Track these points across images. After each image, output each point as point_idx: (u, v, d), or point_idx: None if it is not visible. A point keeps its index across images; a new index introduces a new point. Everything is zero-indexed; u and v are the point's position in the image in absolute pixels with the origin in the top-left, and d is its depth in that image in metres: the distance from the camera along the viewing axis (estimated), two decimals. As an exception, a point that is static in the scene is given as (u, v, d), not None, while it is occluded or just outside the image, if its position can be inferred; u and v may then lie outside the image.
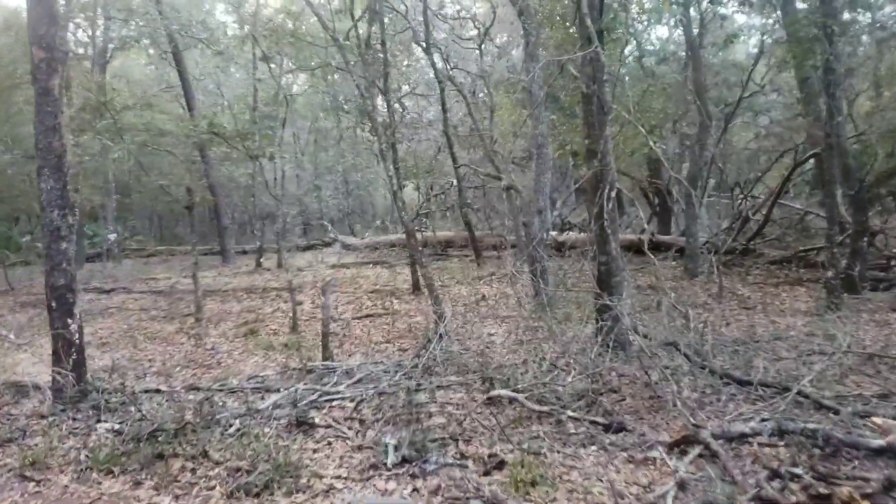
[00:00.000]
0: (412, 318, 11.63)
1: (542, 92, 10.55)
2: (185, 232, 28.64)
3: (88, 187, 17.49)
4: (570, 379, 6.28)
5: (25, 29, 7.48)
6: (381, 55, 11.95)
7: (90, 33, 22.51)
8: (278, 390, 7.33)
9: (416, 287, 14.36)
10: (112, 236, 23.18)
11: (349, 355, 9.32)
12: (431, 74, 21.11)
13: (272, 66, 20.08)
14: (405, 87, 23.38)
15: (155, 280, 18.50)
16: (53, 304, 7.21)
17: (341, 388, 7.25)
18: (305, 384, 7.39)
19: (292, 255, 21.44)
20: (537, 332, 8.93)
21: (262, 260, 21.05)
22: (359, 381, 7.56)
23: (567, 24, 11.71)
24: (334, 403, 6.81)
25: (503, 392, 6.19)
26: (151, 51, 26.22)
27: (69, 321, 7.22)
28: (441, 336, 8.67)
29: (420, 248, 11.47)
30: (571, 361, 7.12)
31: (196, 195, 12.48)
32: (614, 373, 6.96)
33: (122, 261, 22.70)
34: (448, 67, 18.74)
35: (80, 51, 22.19)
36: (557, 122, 15.44)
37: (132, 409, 6.78)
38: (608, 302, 6.80)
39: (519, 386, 6.28)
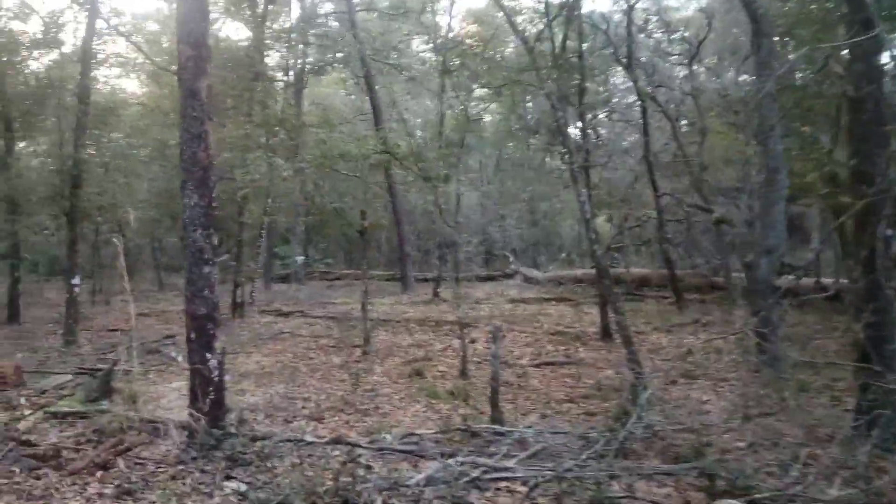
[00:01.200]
0: (601, 372, 10.01)
1: (776, 107, 8.66)
2: (372, 256, 28.77)
3: (275, 208, 17.47)
4: (834, 490, 4.41)
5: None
6: (577, 60, 10.55)
7: (288, 59, 22.98)
8: (435, 458, 6.05)
9: (605, 332, 12.66)
10: (300, 258, 23.39)
11: (523, 414, 7.90)
12: (631, 98, 19.48)
13: (460, 93, 19.34)
14: (600, 114, 21.89)
15: (333, 304, 18.14)
16: (193, 336, 6.41)
17: (511, 463, 5.82)
18: (467, 454, 6.06)
19: (471, 285, 20.42)
20: (765, 403, 7.02)
21: (439, 290, 20.17)
22: (534, 455, 6.10)
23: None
24: (501, 485, 5.39)
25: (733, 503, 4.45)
26: (344, 76, 26.62)
27: (208, 356, 6.39)
28: (640, 404, 7.04)
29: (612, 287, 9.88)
30: (822, 454, 5.24)
31: (369, 219, 11.69)
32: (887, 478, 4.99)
33: (307, 283, 22.79)
34: (651, 87, 17.00)
35: (279, 75, 22.67)
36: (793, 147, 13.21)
37: (267, 463, 5.81)
38: (881, 381, 4.88)
39: (756, 494, 4.51)
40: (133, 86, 23.25)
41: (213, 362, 6.41)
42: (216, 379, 6.44)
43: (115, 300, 20.29)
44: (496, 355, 7.34)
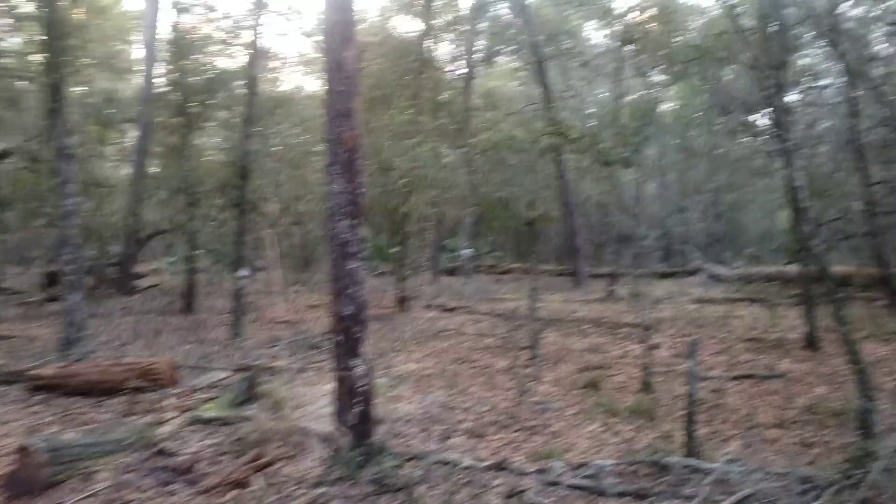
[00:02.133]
0: (812, 389, 8.37)
1: None
2: (542, 250, 27.66)
3: (441, 199, 16.82)
4: None
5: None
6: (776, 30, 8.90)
7: (458, 49, 22.35)
8: (618, 498, 4.92)
9: (811, 340, 10.82)
10: (467, 251, 22.72)
11: (722, 440, 6.55)
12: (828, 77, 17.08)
13: (640, 74, 17.78)
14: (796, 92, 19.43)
15: (500, 301, 17.25)
16: (338, 338, 5.67)
17: (713, 513, 4.59)
18: (658, 496, 4.87)
19: (650, 282, 18.79)
20: None
21: (614, 287, 18.70)
22: (741, 502, 4.82)
23: None
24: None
25: None
26: (515, 65, 25.67)
27: (354, 362, 5.62)
28: (878, 437, 5.53)
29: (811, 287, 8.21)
30: None
31: (538, 210, 10.63)
32: None
33: (474, 277, 22.07)
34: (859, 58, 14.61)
35: (448, 66, 22.10)
36: None
37: (416, 491, 4.96)
38: None
39: None
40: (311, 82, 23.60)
41: (359, 369, 5.65)
42: (363, 388, 5.67)
43: (290, 291, 20.60)
44: (694, 373, 6.05)
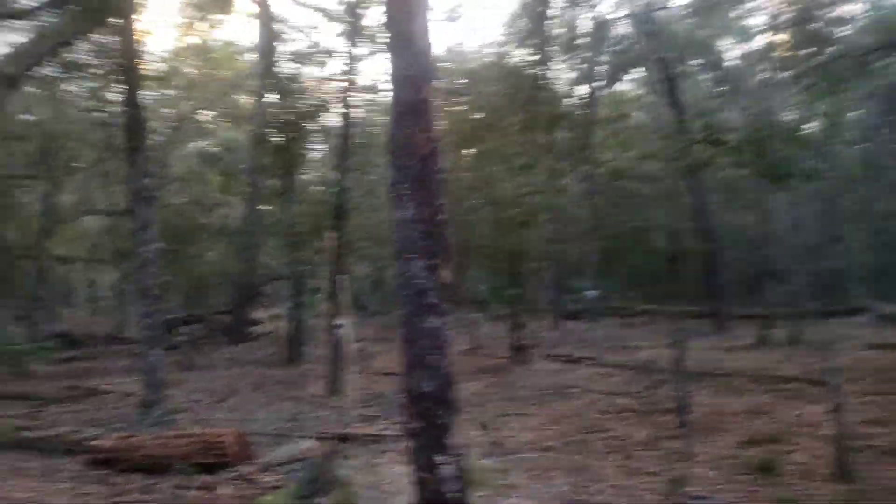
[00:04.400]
0: None
1: None
2: (676, 289, 25.14)
3: (562, 233, 15.06)
4: None
5: None
6: None
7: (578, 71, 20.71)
8: None
9: None
10: (592, 293, 20.74)
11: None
12: None
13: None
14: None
15: (633, 350, 15.20)
16: (414, 425, 4.12)
17: None
18: None
19: (807, 325, 16.18)
20: None
21: (767, 331, 16.18)
22: None
23: None
24: None
25: None
26: (640, 89, 23.75)
27: (439, 459, 4.03)
28: None
29: None
30: None
31: (675, 243, 8.75)
32: None
33: (601, 321, 20.03)
34: None
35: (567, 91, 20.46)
36: None
37: None
38: None
39: None
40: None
41: (447, 470, 4.04)
42: (454, 496, 4.06)
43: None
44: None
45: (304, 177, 17.56)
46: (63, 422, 9.83)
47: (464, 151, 12.92)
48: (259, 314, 25.13)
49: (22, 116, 21.94)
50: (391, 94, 4.07)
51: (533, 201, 11.46)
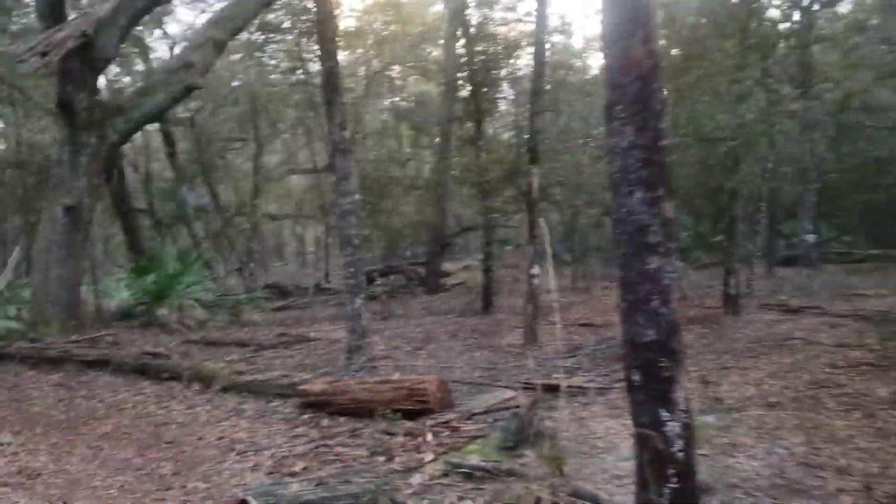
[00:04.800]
0: None
1: None
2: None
3: (777, 172, 13.65)
4: None
5: None
6: None
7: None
8: None
9: None
10: (810, 237, 18.89)
11: None
12: None
13: None
14: None
15: (861, 298, 13.64)
16: (635, 378, 3.68)
17: None
18: None
19: None
20: None
21: None
22: None
23: None
24: None
25: None
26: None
27: (663, 414, 3.58)
28: None
29: None
30: None
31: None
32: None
33: (820, 268, 18.22)
34: None
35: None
36: None
37: None
38: None
39: None
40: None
41: (672, 426, 3.58)
42: (680, 454, 3.60)
43: (597, 287, 18.78)
44: None
45: (494, 124, 17.27)
46: (276, 367, 10.37)
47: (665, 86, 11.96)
48: (451, 265, 25.56)
49: (231, 82, 23.39)
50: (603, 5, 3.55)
51: (746, 136, 10.35)
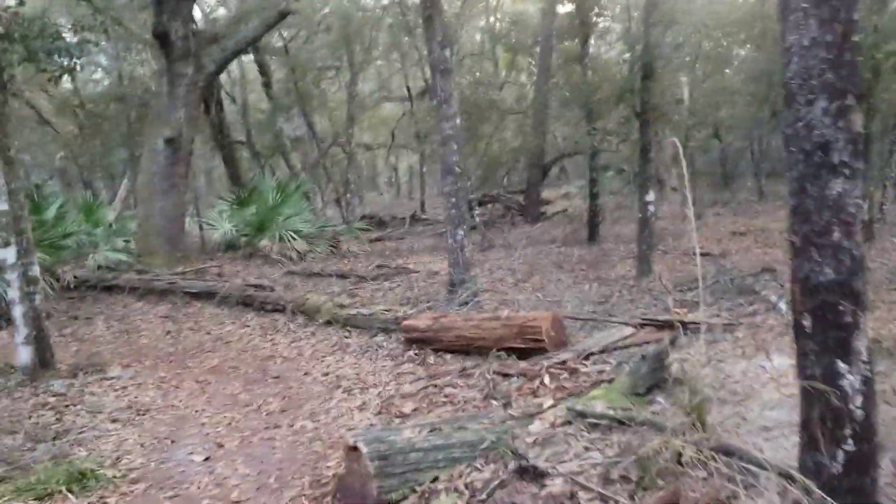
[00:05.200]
0: None
1: None
2: None
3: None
4: None
5: None
6: None
7: None
8: None
9: None
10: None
11: None
12: None
13: None
14: None
15: None
16: (806, 324, 3.11)
17: None
18: None
19: None
20: None
21: None
22: None
23: None
24: None
25: None
26: None
27: (840, 366, 3.03)
28: None
29: None
30: None
31: None
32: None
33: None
34: None
35: None
36: None
37: None
38: None
39: None
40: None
41: (851, 380, 3.03)
42: (858, 412, 3.05)
43: (709, 214, 17.76)
44: None
45: (600, 42, 16.22)
46: (377, 300, 10.16)
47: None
48: (549, 193, 24.78)
49: (323, 9, 22.91)
50: None
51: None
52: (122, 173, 25.13)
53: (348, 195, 22.81)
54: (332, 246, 16.13)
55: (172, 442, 5.22)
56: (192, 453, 5.00)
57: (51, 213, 13.35)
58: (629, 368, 5.19)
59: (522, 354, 6.27)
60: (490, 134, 18.28)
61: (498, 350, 6.39)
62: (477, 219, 17.48)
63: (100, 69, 27.57)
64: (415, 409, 5.25)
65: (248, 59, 23.97)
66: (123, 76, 22.85)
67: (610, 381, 5.19)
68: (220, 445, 5.12)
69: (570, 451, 4.25)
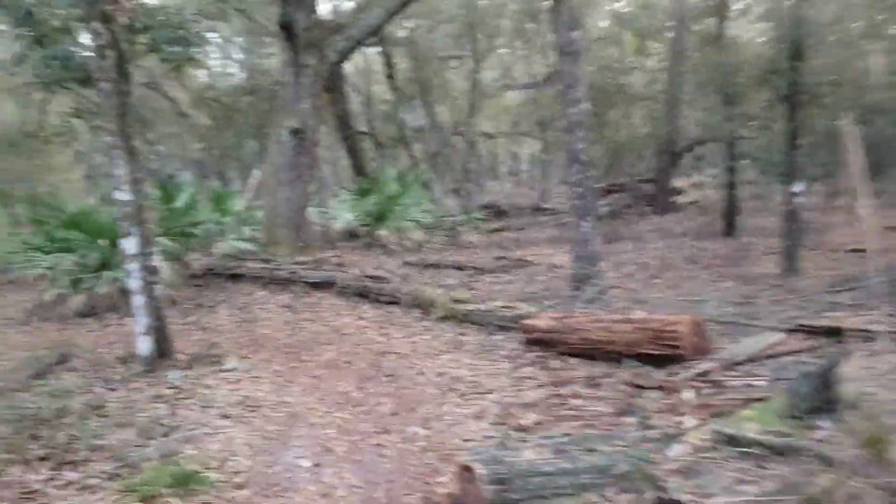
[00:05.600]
0: None
1: None
2: None
3: None
4: None
5: None
6: None
7: None
8: None
9: None
10: None
11: None
12: None
13: None
14: None
15: None
16: None
17: None
18: None
19: None
20: None
21: None
22: None
23: None
24: None
25: None
26: None
27: None
28: None
29: None
30: None
31: None
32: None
33: None
34: None
35: None
36: None
37: None
38: None
39: None
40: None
41: None
42: None
43: (857, 207, 16.21)
44: None
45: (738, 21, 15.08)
46: (495, 294, 9.73)
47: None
48: (679, 182, 23.54)
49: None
50: None
51: None
52: (253, 164, 25.89)
53: (468, 184, 22.50)
54: (450, 236, 15.84)
55: (281, 443, 4.97)
56: (299, 457, 4.74)
57: (181, 201, 13.71)
58: (788, 385, 4.48)
59: (657, 362, 5.67)
60: (618, 120, 17.42)
61: (629, 356, 5.82)
62: (603, 208, 16.73)
63: (232, 62, 28.58)
64: (537, 422, 4.76)
65: (373, 50, 24.07)
66: (254, 69, 23.44)
67: (763, 398, 4.50)
68: (329, 450, 4.83)
69: (718, 482, 3.65)
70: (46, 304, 10.15)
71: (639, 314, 6.21)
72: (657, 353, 5.72)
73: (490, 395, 5.55)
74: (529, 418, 4.83)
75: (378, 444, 4.85)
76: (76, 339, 8.73)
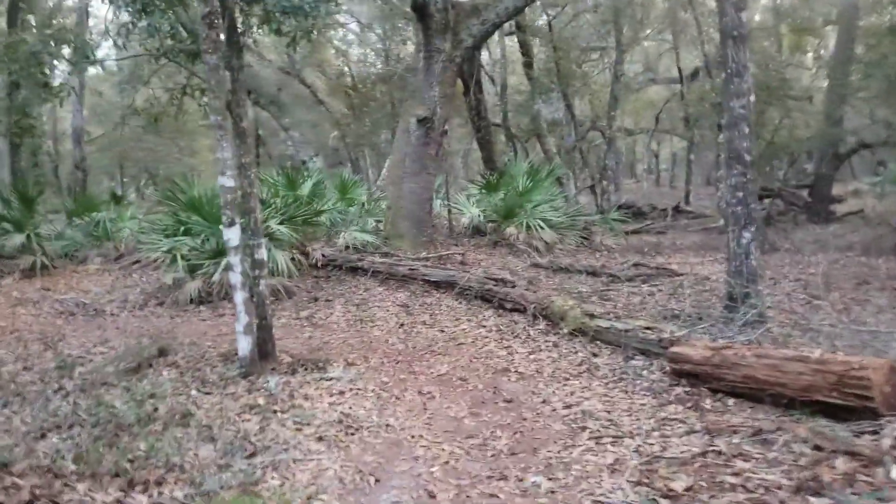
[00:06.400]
0: None
1: None
2: None
3: None
4: None
5: None
6: None
7: None
8: None
9: None
10: None
11: None
12: None
13: None
14: None
15: None
16: None
17: None
18: None
19: None
20: None
21: None
22: None
23: None
24: None
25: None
26: None
27: None
28: None
29: None
30: None
31: None
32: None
33: None
34: None
35: None
36: None
37: None
38: None
39: None
40: None
41: None
42: None
43: None
44: None
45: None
46: (634, 307, 8.69)
47: None
48: (837, 190, 21.30)
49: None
50: None
51: None
52: (387, 153, 25.76)
53: (604, 182, 21.28)
54: (583, 237, 14.78)
55: (377, 481, 4.25)
56: (396, 502, 3.99)
57: (306, 189, 13.41)
58: None
59: (839, 415, 4.54)
60: (778, 119, 15.74)
61: (803, 402, 4.72)
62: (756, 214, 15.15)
63: (370, 50, 28.56)
64: (688, 489, 3.78)
65: (511, 40, 23.22)
66: (390, 56, 23.16)
67: None
68: (432, 496, 4.05)
69: None
70: (165, 289, 10.00)
71: (818, 352, 5.05)
72: (840, 402, 4.59)
73: (629, 441, 4.60)
74: (679, 482, 3.85)
75: (491, 496, 4.03)
76: (186, 328, 8.44)
